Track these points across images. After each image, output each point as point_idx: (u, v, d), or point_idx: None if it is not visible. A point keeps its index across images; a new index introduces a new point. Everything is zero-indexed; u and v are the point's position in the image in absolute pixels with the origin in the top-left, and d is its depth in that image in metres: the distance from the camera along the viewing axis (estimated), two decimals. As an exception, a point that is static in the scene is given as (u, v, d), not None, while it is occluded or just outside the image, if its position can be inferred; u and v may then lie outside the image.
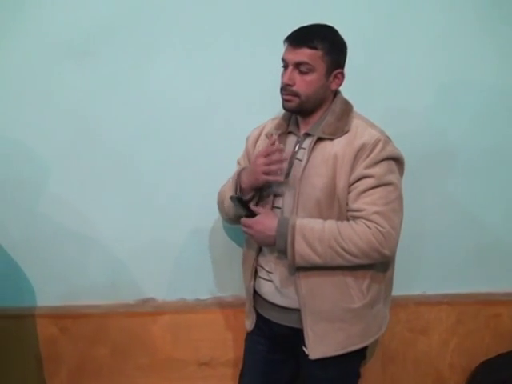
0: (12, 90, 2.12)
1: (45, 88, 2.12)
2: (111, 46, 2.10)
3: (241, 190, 1.82)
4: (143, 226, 2.25)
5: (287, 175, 1.78)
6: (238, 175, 1.84)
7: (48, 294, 2.26)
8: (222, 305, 2.31)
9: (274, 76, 1.78)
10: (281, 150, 1.75)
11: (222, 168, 2.04)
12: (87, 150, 2.18)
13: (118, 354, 2.29)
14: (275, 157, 1.72)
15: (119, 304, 2.29)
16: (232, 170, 2.00)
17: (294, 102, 1.72)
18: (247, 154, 1.98)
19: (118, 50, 2.11)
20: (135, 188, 2.22)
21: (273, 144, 1.75)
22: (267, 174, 1.72)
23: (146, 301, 2.32)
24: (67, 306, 2.27)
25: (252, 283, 1.91)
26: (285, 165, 1.75)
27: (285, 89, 1.72)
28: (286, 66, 1.73)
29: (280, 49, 1.73)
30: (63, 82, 2.12)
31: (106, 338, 2.28)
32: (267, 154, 1.73)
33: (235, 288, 2.24)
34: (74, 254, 2.25)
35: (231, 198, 1.75)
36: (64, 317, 2.25)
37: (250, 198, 1.82)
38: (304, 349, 1.78)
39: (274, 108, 1.93)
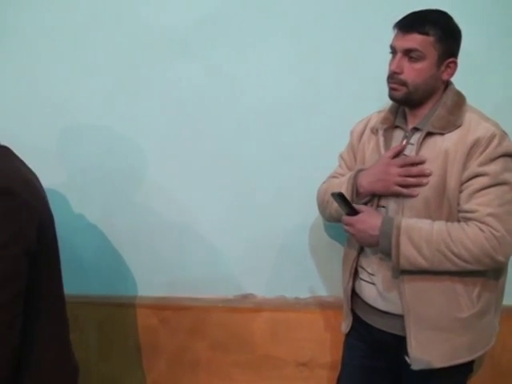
0: (116, 82, 2.14)
1: (149, 80, 2.14)
2: (215, 36, 2.08)
3: (357, 193, 1.74)
4: (245, 222, 2.22)
5: None
6: (355, 177, 1.74)
7: (150, 285, 2.29)
8: (322, 305, 2.24)
9: (382, 64, 1.68)
10: (422, 162, 1.62)
11: (325, 164, 1.98)
12: (192, 144, 2.18)
13: (217, 348, 2.29)
14: (415, 170, 1.62)
15: (219, 298, 2.29)
16: (335, 165, 1.95)
17: (401, 92, 1.62)
18: (351, 148, 1.90)
19: (221, 39, 2.09)
20: (238, 183, 2.20)
21: (402, 150, 1.67)
22: (402, 185, 1.64)
23: (245, 296, 2.29)
24: (168, 297, 2.29)
25: (350, 284, 1.84)
26: (426, 180, 1.61)
27: (392, 77, 1.62)
28: (394, 53, 1.63)
29: (388, 35, 1.63)
30: (166, 74, 2.13)
31: (205, 332, 2.28)
32: (404, 165, 1.63)
33: (336, 288, 2.14)
34: (177, 247, 2.27)
35: (332, 194, 1.66)
36: (164, 308, 2.28)
37: (366, 201, 1.74)
38: (406, 358, 1.68)
39: (380, 100, 1.82)
